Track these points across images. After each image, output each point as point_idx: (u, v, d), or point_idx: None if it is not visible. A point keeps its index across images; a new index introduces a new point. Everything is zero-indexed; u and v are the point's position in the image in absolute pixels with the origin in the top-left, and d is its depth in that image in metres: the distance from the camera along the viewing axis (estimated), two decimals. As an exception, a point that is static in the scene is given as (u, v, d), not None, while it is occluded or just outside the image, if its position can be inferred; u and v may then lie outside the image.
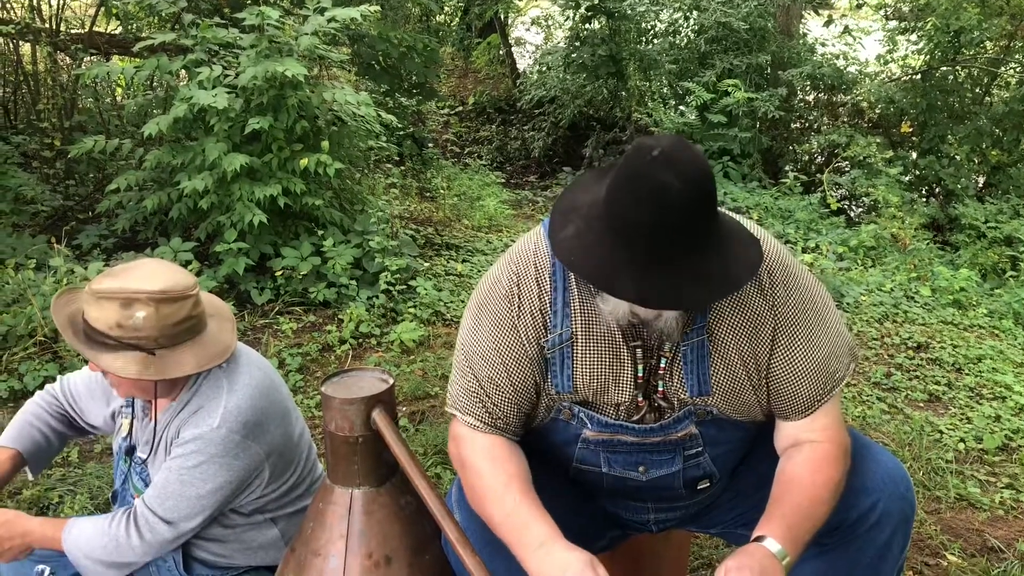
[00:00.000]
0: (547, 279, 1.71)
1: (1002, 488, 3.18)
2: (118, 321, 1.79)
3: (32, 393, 3.53)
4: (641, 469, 1.80)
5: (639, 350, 1.69)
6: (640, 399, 1.72)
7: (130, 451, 2.08)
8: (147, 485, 2.00)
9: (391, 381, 1.82)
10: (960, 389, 4.08)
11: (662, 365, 1.70)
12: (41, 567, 2.15)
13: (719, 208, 1.59)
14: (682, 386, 1.70)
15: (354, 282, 4.60)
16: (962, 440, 3.53)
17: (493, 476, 1.68)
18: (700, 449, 1.79)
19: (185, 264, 4.49)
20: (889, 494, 1.74)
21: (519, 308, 1.71)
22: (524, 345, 1.71)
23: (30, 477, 2.20)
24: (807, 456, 1.70)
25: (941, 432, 3.60)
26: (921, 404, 3.92)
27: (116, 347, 1.81)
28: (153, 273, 1.84)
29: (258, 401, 1.94)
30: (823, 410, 1.73)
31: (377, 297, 4.54)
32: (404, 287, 4.69)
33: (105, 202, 4.93)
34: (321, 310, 4.58)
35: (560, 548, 1.54)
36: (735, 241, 1.58)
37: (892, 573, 1.80)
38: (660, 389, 1.72)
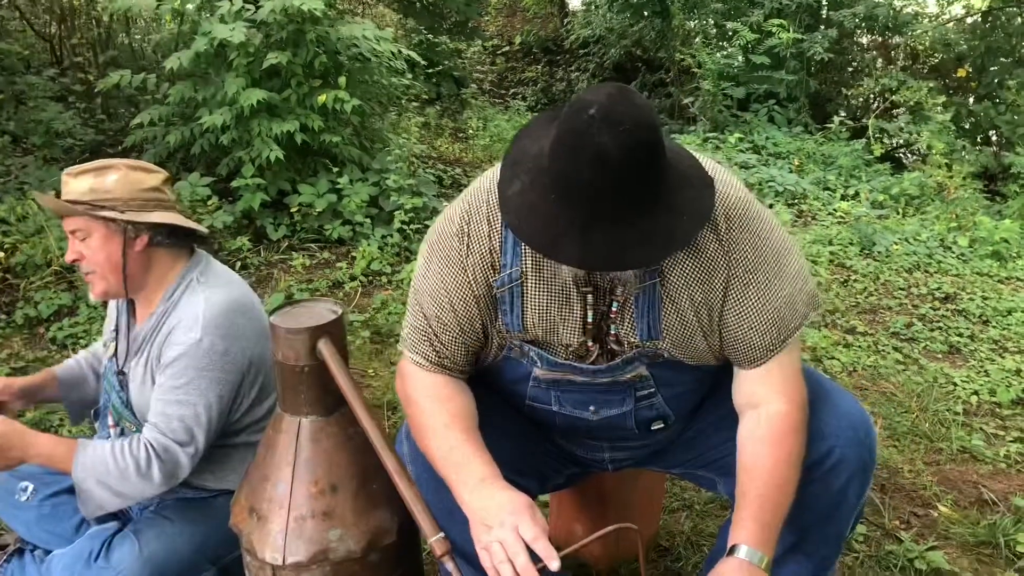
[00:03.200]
0: (498, 218, 1.67)
1: (1010, 442, 3.08)
2: (91, 186, 1.90)
3: (45, 321, 3.66)
4: (592, 409, 1.78)
5: (590, 295, 1.65)
6: (590, 343, 1.69)
7: (119, 374, 2.12)
8: (123, 403, 2.05)
9: (340, 312, 1.80)
10: (983, 342, 3.95)
11: (614, 308, 1.66)
12: (25, 483, 2.21)
13: (674, 148, 1.53)
14: (632, 329, 1.66)
15: (369, 220, 4.61)
16: (975, 393, 3.42)
17: (436, 414, 1.69)
18: (653, 390, 1.76)
19: (205, 200, 4.54)
20: (846, 439, 1.69)
21: (468, 247, 1.68)
22: (472, 285, 1.68)
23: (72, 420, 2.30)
24: (765, 430, 1.63)
25: (955, 384, 3.49)
26: (939, 355, 3.81)
27: (87, 210, 1.90)
28: (128, 161, 2.00)
29: (237, 316, 1.98)
30: (778, 360, 1.67)
31: (391, 235, 4.55)
32: (420, 226, 4.68)
33: (131, 136, 5.00)
34: (336, 247, 4.61)
35: (499, 487, 1.53)
36: (687, 189, 1.51)
37: (847, 520, 1.76)
38: (612, 332, 1.68)
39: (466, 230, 1.68)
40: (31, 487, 2.22)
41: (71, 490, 2.13)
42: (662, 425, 1.83)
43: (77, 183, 1.91)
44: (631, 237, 1.43)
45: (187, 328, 1.92)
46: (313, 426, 1.82)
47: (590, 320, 1.66)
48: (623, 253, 1.44)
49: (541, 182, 1.48)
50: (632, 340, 1.67)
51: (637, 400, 1.77)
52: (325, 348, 1.77)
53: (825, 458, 1.68)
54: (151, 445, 1.92)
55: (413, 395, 1.75)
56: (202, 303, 1.95)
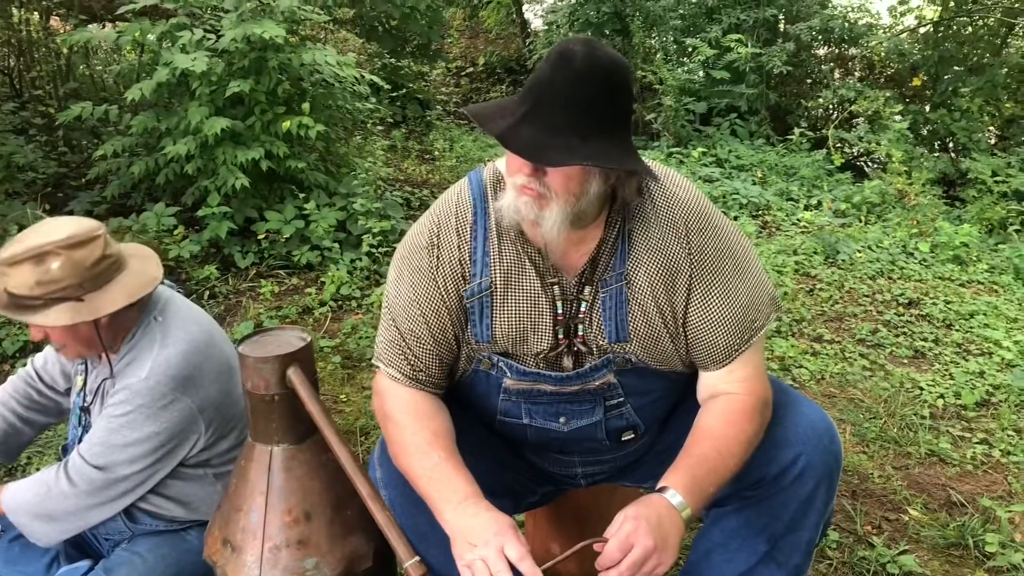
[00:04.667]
0: (468, 229, 1.71)
1: (975, 444, 3.13)
2: (36, 279, 1.81)
3: (10, 358, 3.61)
4: (562, 420, 1.80)
5: (556, 287, 1.68)
6: (561, 337, 1.71)
7: (85, 409, 2.11)
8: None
9: (308, 339, 1.81)
10: (947, 345, 4.02)
11: (582, 309, 1.69)
12: (-8, 526, 2.19)
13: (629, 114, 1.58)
14: (601, 332, 1.69)
15: (337, 245, 4.60)
16: (941, 396, 3.48)
17: (416, 432, 1.69)
18: (622, 399, 1.78)
19: (171, 229, 4.51)
20: (812, 447, 1.71)
21: (438, 259, 1.71)
22: (443, 297, 1.71)
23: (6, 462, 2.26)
24: (722, 408, 1.69)
25: (921, 388, 3.55)
26: (904, 360, 3.87)
27: (43, 305, 1.84)
28: (54, 226, 1.87)
29: (191, 357, 1.96)
30: (741, 360, 1.72)
31: (360, 259, 4.54)
32: (388, 249, 4.68)
33: (95, 169, 4.96)
34: (304, 273, 4.59)
35: (482, 507, 1.54)
36: (620, 140, 1.55)
37: (816, 527, 1.78)
38: (580, 334, 1.71)
39: (435, 242, 1.72)
40: (-1, 529, 2.20)
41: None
42: (632, 435, 1.86)
43: (19, 275, 1.81)
44: (557, 139, 1.48)
45: (138, 365, 1.93)
46: (285, 454, 1.83)
47: (560, 312, 1.69)
48: (538, 145, 1.48)
49: (533, 98, 1.53)
50: (601, 343, 1.70)
51: (607, 410, 1.79)
52: (295, 376, 1.78)
53: (791, 466, 1.71)
54: (66, 467, 1.93)
55: (392, 413, 1.75)
56: (156, 347, 1.94)
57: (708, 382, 1.75)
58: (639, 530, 1.47)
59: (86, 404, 2.09)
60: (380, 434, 2.96)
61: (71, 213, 5.08)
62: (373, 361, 1.84)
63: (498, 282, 1.69)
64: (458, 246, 1.70)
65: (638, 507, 1.52)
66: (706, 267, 1.68)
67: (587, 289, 1.68)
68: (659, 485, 1.58)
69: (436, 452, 1.64)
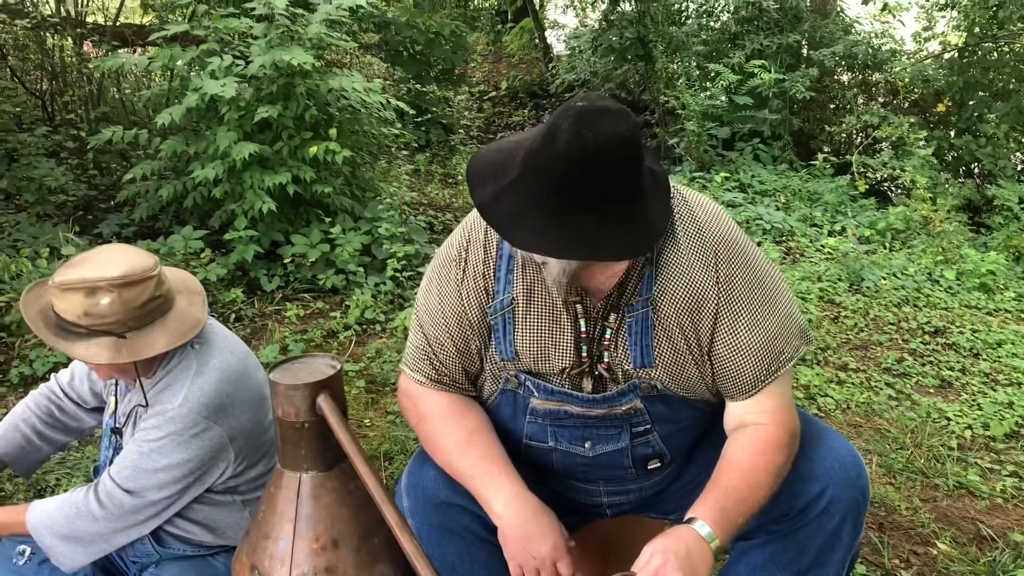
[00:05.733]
0: (494, 245, 1.74)
1: (1005, 476, 3.09)
2: (85, 310, 1.84)
3: (42, 379, 3.65)
4: (588, 444, 1.80)
5: (579, 306, 1.69)
6: (583, 355, 1.72)
7: (117, 431, 2.13)
8: None
9: (338, 367, 1.82)
10: (974, 375, 3.98)
11: (607, 335, 1.70)
12: (22, 547, 2.21)
13: (647, 170, 1.55)
14: (626, 357, 1.70)
15: (362, 269, 4.64)
16: (969, 427, 3.44)
17: (453, 432, 1.73)
18: (648, 426, 1.78)
19: (198, 252, 4.57)
20: (839, 480, 1.70)
21: (464, 272, 1.75)
22: (466, 310, 1.75)
23: (21, 478, 2.28)
24: (751, 439, 1.68)
25: (948, 419, 3.51)
26: (931, 390, 3.83)
27: (87, 335, 1.86)
28: (112, 259, 1.88)
29: (224, 386, 1.97)
30: (768, 391, 1.71)
31: (384, 283, 4.58)
32: (413, 273, 4.71)
33: (124, 191, 5.04)
34: (329, 297, 4.63)
35: (535, 508, 1.63)
36: (650, 204, 1.54)
37: (844, 562, 1.77)
38: (605, 360, 1.72)
39: (463, 256, 1.76)
40: (28, 550, 2.21)
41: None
42: (659, 464, 1.85)
43: (69, 301, 1.83)
44: (528, 220, 1.47)
45: (173, 393, 1.94)
46: (313, 481, 1.83)
47: (583, 329, 1.70)
48: (512, 226, 1.48)
49: (517, 164, 1.52)
50: (626, 368, 1.71)
51: (633, 436, 1.79)
52: (324, 403, 1.79)
53: (817, 499, 1.70)
54: (95, 489, 1.94)
55: (427, 414, 1.80)
56: (192, 373, 1.95)
57: (735, 412, 1.75)
58: (668, 564, 1.47)
59: (118, 426, 2.12)
60: (405, 460, 2.99)
61: (100, 235, 5.17)
62: (400, 365, 1.88)
63: (520, 297, 1.72)
64: (483, 262, 1.74)
65: (666, 540, 1.52)
66: (734, 297, 1.68)
67: (612, 316, 1.69)
68: (687, 516, 1.58)
69: (474, 449, 1.69)
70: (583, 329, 1.71)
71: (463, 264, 1.75)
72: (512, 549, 1.61)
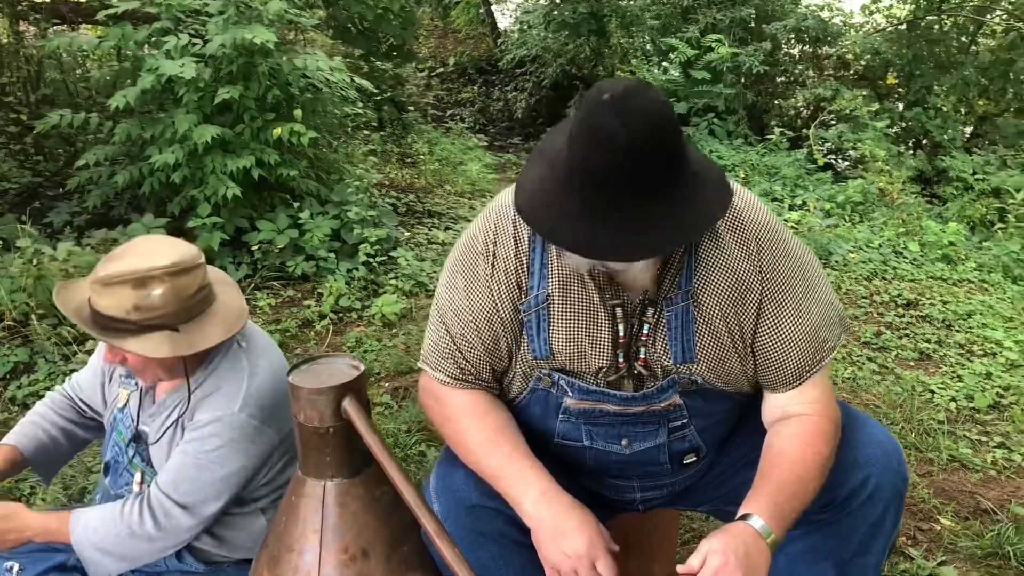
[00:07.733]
0: (525, 238, 1.64)
1: (994, 447, 3.14)
2: (135, 303, 1.70)
3: (1, 379, 3.46)
4: (624, 442, 1.75)
5: (619, 310, 1.62)
6: (620, 361, 1.65)
7: (136, 437, 1.99)
8: (144, 462, 1.93)
9: (362, 368, 1.73)
10: (950, 346, 4.04)
11: (644, 331, 1.63)
12: (10, 563, 2.08)
13: (689, 152, 1.48)
14: (666, 353, 1.64)
15: (333, 254, 4.50)
16: (953, 399, 3.49)
17: (479, 431, 1.67)
18: (686, 421, 1.73)
19: (159, 240, 4.37)
20: (881, 468, 1.68)
21: (493, 267, 1.66)
22: (496, 307, 1.66)
23: (44, 482, 2.18)
24: (797, 430, 1.64)
25: (932, 392, 3.55)
26: (912, 363, 3.87)
27: (138, 330, 1.73)
28: (157, 249, 1.75)
29: (278, 385, 1.88)
30: (812, 382, 1.67)
31: (357, 269, 4.45)
32: (385, 258, 4.59)
33: (75, 178, 4.79)
34: (300, 284, 4.48)
35: (567, 504, 1.56)
36: (702, 187, 1.47)
37: (884, 551, 1.75)
38: (642, 356, 1.65)
39: (492, 249, 1.66)
40: (16, 566, 2.09)
41: (61, 567, 2.03)
42: (695, 458, 1.81)
43: (116, 297, 1.70)
44: (631, 228, 1.39)
45: (228, 396, 1.82)
46: (339, 489, 1.74)
47: (622, 334, 1.63)
48: (614, 243, 1.40)
49: (556, 170, 1.45)
50: (666, 364, 1.65)
51: (670, 432, 1.74)
52: (351, 407, 1.69)
53: (861, 488, 1.67)
54: (150, 507, 1.82)
55: (451, 414, 1.73)
56: (246, 374, 1.84)
57: (778, 403, 1.70)
58: (728, 564, 1.42)
59: (139, 427, 1.97)
60: (397, 452, 2.90)
61: (51, 225, 4.93)
62: (419, 363, 1.80)
63: (556, 294, 1.63)
64: (515, 255, 1.64)
65: (724, 538, 1.47)
66: (777, 285, 1.63)
67: (650, 311, 1.62)
68: (741, 512, 1.53)
69: (501, 448, 1.63)
70: (622, 333, 1.63)
71: (491, 258, 1.66)
72: (546, 549, 1.55)
